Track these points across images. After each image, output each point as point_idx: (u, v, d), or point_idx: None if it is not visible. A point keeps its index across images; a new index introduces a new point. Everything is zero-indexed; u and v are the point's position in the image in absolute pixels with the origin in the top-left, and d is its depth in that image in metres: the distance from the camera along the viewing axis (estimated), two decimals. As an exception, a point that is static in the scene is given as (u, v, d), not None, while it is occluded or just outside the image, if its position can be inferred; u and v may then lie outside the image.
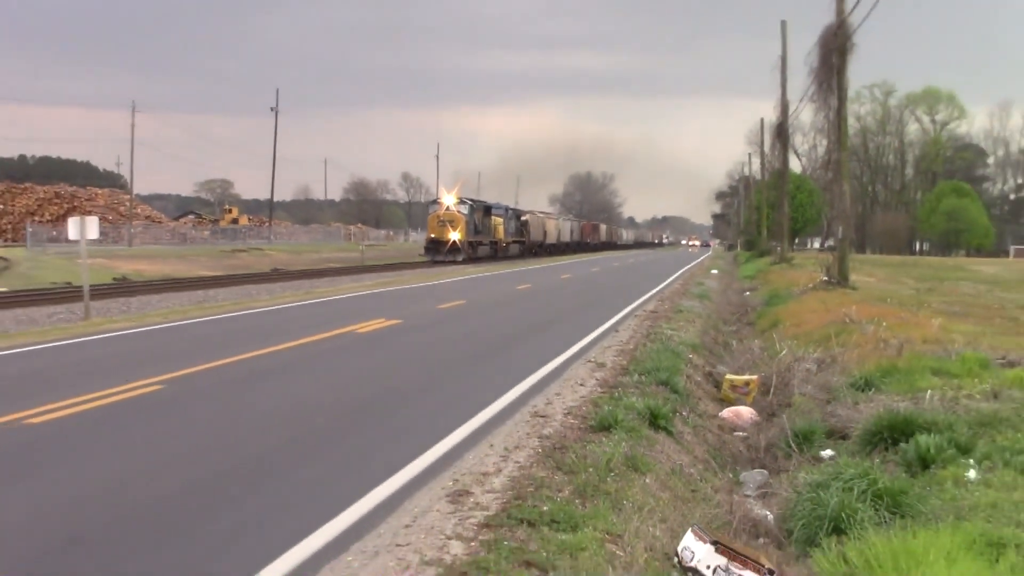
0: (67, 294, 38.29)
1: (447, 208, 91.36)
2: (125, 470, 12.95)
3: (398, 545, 9.73)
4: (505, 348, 25.79)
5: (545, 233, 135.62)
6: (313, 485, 12.09)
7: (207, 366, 21.15)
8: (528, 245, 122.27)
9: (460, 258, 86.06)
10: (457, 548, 9.61)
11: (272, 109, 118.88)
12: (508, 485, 12.03)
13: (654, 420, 16.18)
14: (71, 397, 17.04)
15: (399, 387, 19.80)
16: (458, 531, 10.18)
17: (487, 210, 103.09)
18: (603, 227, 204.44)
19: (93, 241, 35.53)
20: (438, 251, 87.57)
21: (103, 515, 10.97)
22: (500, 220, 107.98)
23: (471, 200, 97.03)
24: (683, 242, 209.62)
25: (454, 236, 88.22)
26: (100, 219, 40.88)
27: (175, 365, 21.00)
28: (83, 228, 34.60)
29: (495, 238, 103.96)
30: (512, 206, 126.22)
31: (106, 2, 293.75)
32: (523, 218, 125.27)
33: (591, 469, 12.77)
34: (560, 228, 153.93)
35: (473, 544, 9.72)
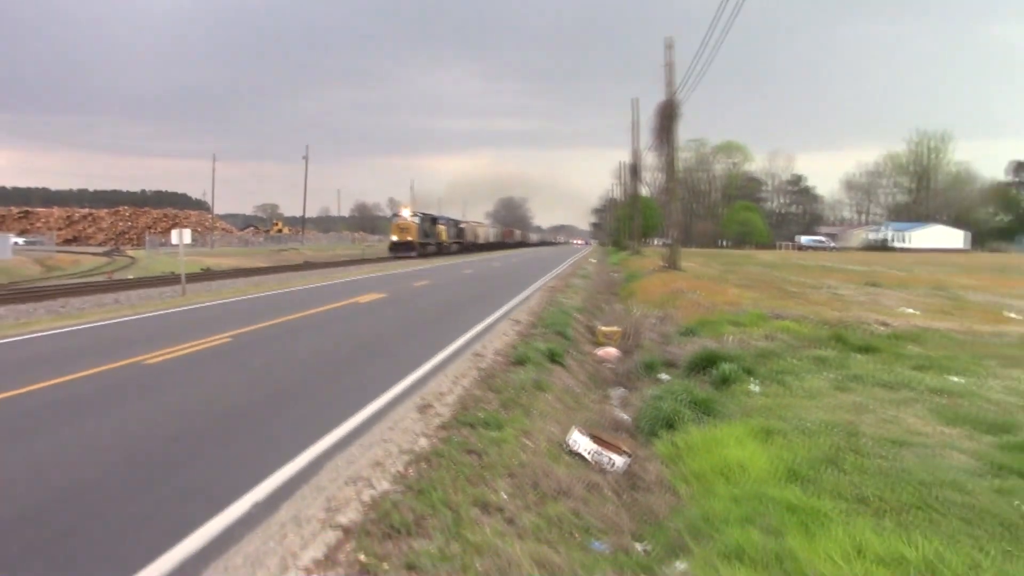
0: (171, 280, 38.22)
1: (404, 219, 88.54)
2: (209, 391, 13.03)
3: (384, 441, 9.92)
4: (457, 312, 25.86)
5: (477, 236, 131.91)
6: (333, 400, 12.18)
7: (261, 325, 21.16)
8: (464, 245, 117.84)
9: (413, 254, 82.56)
10: (423, 442, 9.83)
11: (303, 157, 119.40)
12: (457, 401, 12.23)
13: (552, 357, 16.42)
14: (173, 346, 17.10)
15: (388, 336, 19.90)
16: (424, 431, 10.38)
17: (434, 220, 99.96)
18: (517, 232, 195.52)
19: (187, 245, 36.03)
20: (398, 249, 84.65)
21: (198, 418, 11.12)
22: (444, 227, 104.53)
23: (421, 213, 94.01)
24: (573, 242, 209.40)
25: (409, 239, 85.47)
26: (192, 230, 42.52)
27: (239, 325, 20.99)
28: (181, 237, 35.52)
29: (440, 240, 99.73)
30: (453, 218, 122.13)
31: (195, 87, 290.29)
32: (461, 226, 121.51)
33: (511, 389, 12.99)
34: (487, 233, 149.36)
35: (434, 440, 9.94)
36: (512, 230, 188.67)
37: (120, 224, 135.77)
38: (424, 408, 11.75)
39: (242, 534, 6.87)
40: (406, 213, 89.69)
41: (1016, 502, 7.52)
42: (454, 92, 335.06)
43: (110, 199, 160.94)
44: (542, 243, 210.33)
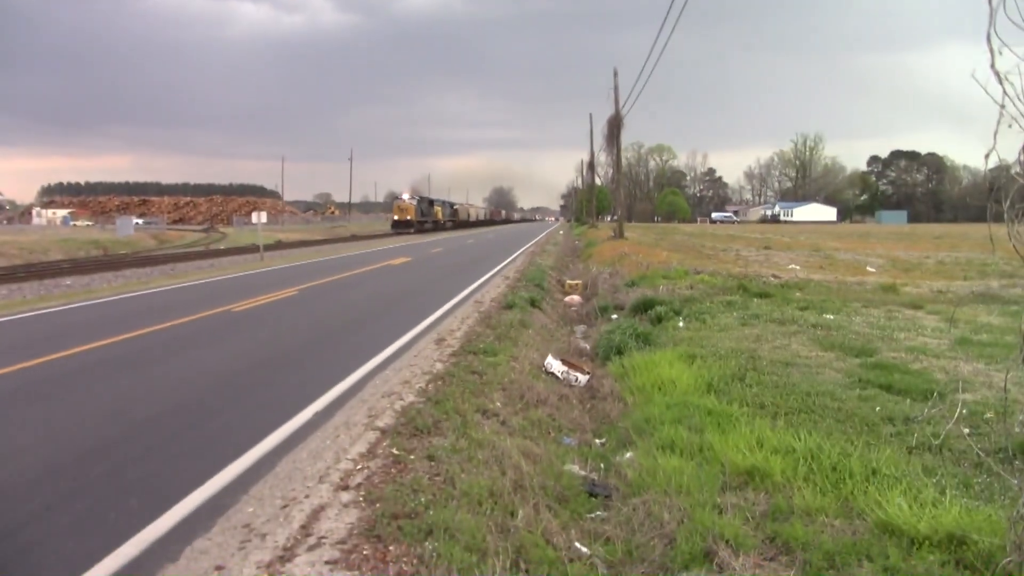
0: (252, 249, 37.72)
1: (404, 201, 79.93)
2: (281, 330, 13.00)
3: (410, 365, 9.90)
4: (463, 271, 25.82)
5: (469, 215, 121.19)
6: (373, 336, 12.12)
7: (320, 281, 21.09)
8: (458, 222, 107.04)
9: (411, 231, 73.20)
10: (439, 366, 9.79)
11: (349, 158, 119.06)
12: (463, 336, 12.20)
13: (533, 303, 16.36)
14: (254, 297, 17.02)
15: (413, 289, 19.88)
16: (440, 358, 10.34)
17: (431, 203, 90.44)
18: (503, 212, 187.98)
19: (264, 224, 36.20)
20: (398, 226, 75.89)
21: (273, 350, 11.10)
22: (439, 208, 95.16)
23: (419, 196, 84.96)
24: (547, 219, 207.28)
25: (408, 218, 76.82)
26: (267, 213, 42.94)
27: (304, 281, 20.91)
28: (260, 217, 35.53)
29: (436, 219, 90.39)
30: (449, 200, 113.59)
31: (267, 105, 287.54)
32: (455, 206, 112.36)
33: (503, 326, 12.94)
34: (478, 212, 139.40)
35: (447, 364, 9.89)
36: (499, 210, 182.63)
37: (214, 209, 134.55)
38: (439, 341, 11.70)
39: (306, 434, 6.83)
40: (405, 197, 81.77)
41: (875, 407, 7.52)
42: (458, 109, 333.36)
43: (206, 190, 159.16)
44: (523, 220, 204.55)
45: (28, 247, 39.39)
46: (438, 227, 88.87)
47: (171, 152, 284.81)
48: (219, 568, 4.29)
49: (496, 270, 26.00)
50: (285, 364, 10.22)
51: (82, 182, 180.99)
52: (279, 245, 46.39)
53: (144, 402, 8.12)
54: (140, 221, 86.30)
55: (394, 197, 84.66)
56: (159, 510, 5.08)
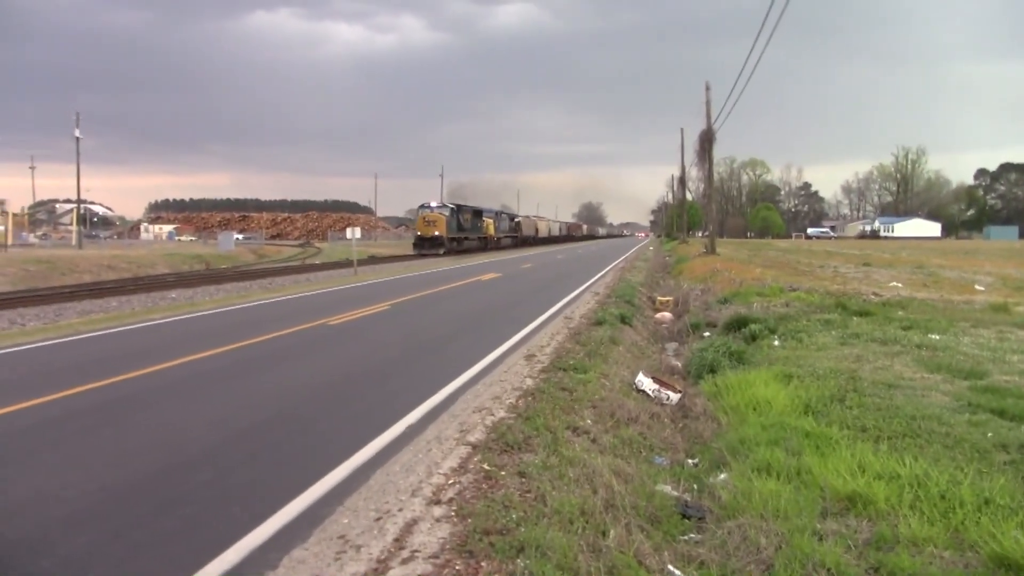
0: (347, 264, 38.42)
1: (431, 211, 59.76)
2: (375, 344, 13.21)
3: (500, 381, 9.93)
4: (552, 287, 25.80)
5: (536, 230, 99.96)
6: (462, 352, 12.21)
7: (411, 296, 21.40)
8: (522, 239, 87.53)
9: (441, 251, 56.02)
10: (529, 382, 9.79)
11: (440, 175, 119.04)
12: (553, 352, 12.18)
13: (623, 319, 16.24)
14: (348, 311, 17.40)
15: (502, 304, 19.97)
16: (530, 374, 10.35)
17: (477, 213, 69.91)
18: (584, 226, 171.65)
19: (357, 239, 36.74)
20: (423, 246, 57.37)
21: (367, 364, 11.28)
22: (491, 220, 74.55)
23: (455, 204, 65.46)
24: (637, 235, 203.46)
25: (435, 233, 57.73)
26: (360, 228, 43.61)
27: (396, 296, 21.26)
28: (354, 233, 36.32)
29: (485, 234, 70.78)
30: (508, 211, 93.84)
31: (361, 121, 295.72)
32: (516, 219, 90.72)
33: (593, 343, 12.88)
34: (551, 227, 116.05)
35: (537, 380, 9.88)
36: (580, 224, 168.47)
37: (309, 224, 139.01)
38: (529, 357, 11.71)
39: (399, 448, 6.93)
40: (433, 205, 62.05)
41: (987, 433, 7.16)
42: (546, 124, 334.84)
43: (302, 206, 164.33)
44: (609, 236, 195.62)
45: (136, 261, 41.33)
46: (488, 245, 70.78)
47: (268, 169, 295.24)
48: (316, 577, 4.39)
49: (585, 286, 25.91)
50: (378, 377, 10.40)
51: (186, 199, 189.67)
52: (372, 260, 47.25)
53: (245, 412, 8.40)
54: (240, 236, 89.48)
55: (420, 206, 62.93)
56: (259, 518, 5.23)
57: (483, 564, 4.51)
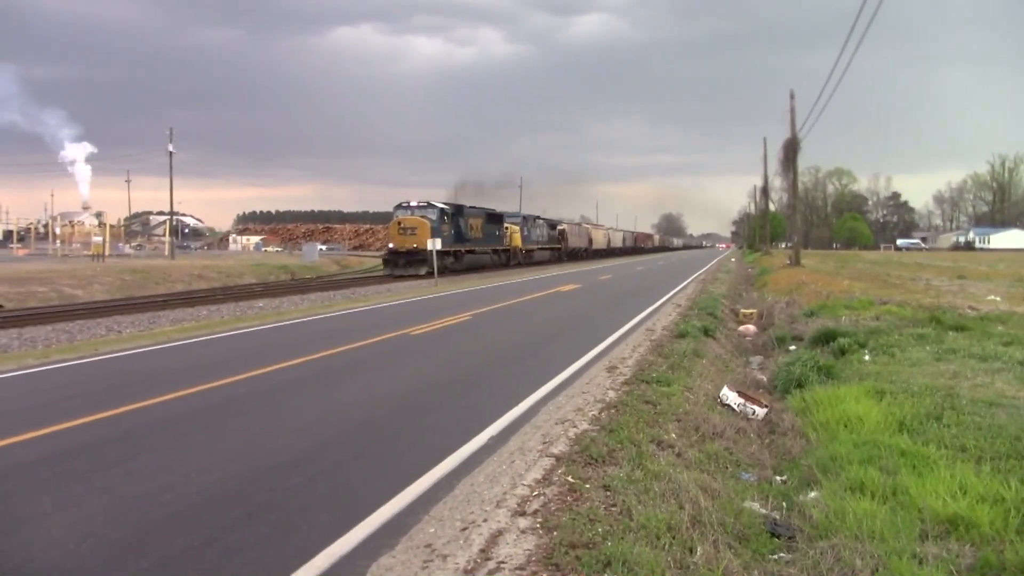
0: (427, 275, 37.89)
1: (409, 213, 42.47)
2: (456, 355, 13.33)
3: (582, 393, 9.89)
4: (632, 298, 25.61)
5: (590, 240, 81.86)
6: (542, 363, 12.17)
7: (492, 307, 21.48)
8: (566, 251, 69.99)
9: (423, 271, 39.59)
10: (611, 394, 9.73)
11: (518, 186, 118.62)
12: (635, 364, 12.08)
13: (706, 332, 16.00)
14: (429, 322, 17.59)
15: (582, 316, 19.90)
16: (612, 386, 10.28)
17: (492, 217, 52.40)
18: (656, 236, 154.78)
19: (437, 250, 36.26)
20: (395, 263, 41.14)
21: (448, 373, 11.35)
22: (514, 227, 57.21)
23: (449, 204, 46.56)
24: (718, 246, 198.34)
25: (413, 246, 40.59)
26: (441, 240, 40.96)
27: (476, 307, 21.35)
28: (434, 244, 35.35)
29: (507, 246, 54.76)
30: (548, 217, 71.87)
31: (440, 133, 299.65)
32: (559, 227, 71.48)
33: (676, 356, 12.72)
34: (611, 236, 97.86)
35: (619, 392, 9.82)
36: (650, 235, 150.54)
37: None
38: (611, 369, 11.64)
39: (482, 458, 6.95)
40: (413, 204, 43.41)
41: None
42: (624, 135, 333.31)
43: (384, 218, 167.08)
44: (686, 247, 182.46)
45: (225, 271, 42.71)
46: (509, 261, 54.98)
47: (350, 181, 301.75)
48: (404, 585, 4.44)
49: (667, 298, 25.62)
50: (461, 388, 10.48)
51: (272, 210, 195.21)
52: (451, 271, 47.36)
53: (331, 420, 8.57)
54: (324, 247, 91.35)
55: (397, 206, 44.11)
56: (347, 525, 5.31)
57: (569, 577, 4.48)
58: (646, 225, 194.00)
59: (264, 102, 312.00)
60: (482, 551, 4.88)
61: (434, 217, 42.00)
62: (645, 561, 4.67)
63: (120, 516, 5.60)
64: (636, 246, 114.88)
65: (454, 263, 43.79)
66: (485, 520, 5.42)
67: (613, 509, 5.60)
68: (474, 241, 47.81)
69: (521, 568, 4.61)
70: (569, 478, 6.24)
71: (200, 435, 7.87)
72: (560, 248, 69.01)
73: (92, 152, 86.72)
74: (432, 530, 5.28)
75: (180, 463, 6.87)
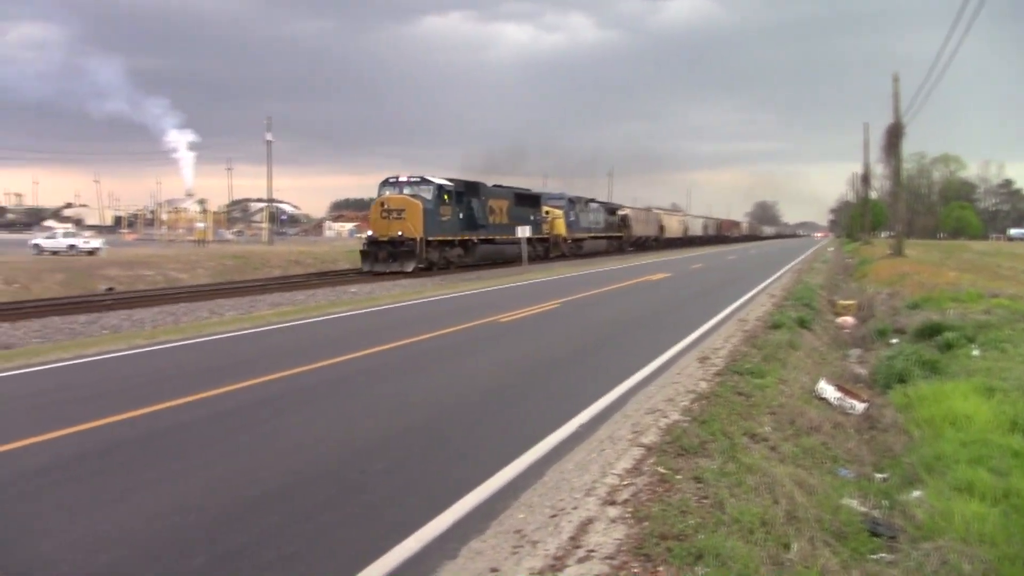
0: (516, 261, 36.84)
1: (395, 191, 32.84)
2: (543, 341, 13.32)
3: (673, 383, 9.76)
4: (724, 288, 25.14)
5: (661, 228, 71.40)
6: (631, 352, 12.07)
7: (581, 295, 21.33)
8: (630, 241, 61.17)
9: (410, 266, 31.19)
10: (703, 385, 9.57)
11: (608, 173, 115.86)
12: (728, 355, 11.84)
13: (802, 323, 15.53)
14: (517, 309, 17.61)
15: (675, 305, 19.65)
16: (704, 377, 10.11)
17: (523, 198, 42.52)
18: (744, 223, 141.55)
19: (528, 238, 34.98)
20: (374, 257, 32.00)
21: (536, 361, 11.39)
22: (557, 211, 47.58)
23: (451, 180, 34.93)
24: (814, 235, 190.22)
25: (397, 233, 31.49)
26: (529, 228, 39.32)
27: (565, 294, 21.22)
28: (523, 232, 33.98)
29: (546, 234, 45.32)
30: (603, 200, 63.30)
31: (528, 120, 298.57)
32: (620, 212, 61.92)
33: (770, 347, 12.41)
34: (688, 223, 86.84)
35: (711, 383, 9.64)
36: (735, 222, 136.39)
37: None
38: (703, 359, 11.44)
39: (572, 446, 6.93)
40: (403, 179, 33.66)
41: None
42: (716, 122, 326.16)
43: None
44: (779, 236, 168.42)
45: (320, 257, 43.78)
46: (548, 252, 44.98)
47: (438, 169, 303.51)
48: (494, 570, 4.46)
49: (760, 288, 25.02)
50: (549, 375, 10.48)
51: (365, 198, 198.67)
52: (459, 266, 45.36)
53: (421, 404, 8.70)
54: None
55: (383, 182, 34.28)
56: (437, 508, 5.37)
57: (660, 569, 4.43)
58: (739, 213, 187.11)
59: (356, 91, 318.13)
60: (572, 538, 4.87)
61: (429, 196, 32.36)
62: (738, 556, 4.57)
63: (216, 492, 5.81)
64: (719, 235, 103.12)
65: (462, 256, 35.21)
66: (575, 508, 5.40)
67: (705, 501, 5.51)
68: (496, 228, 37.91)
69: (611, 557, 4.57)
70: (660, 468, 6.16)
71: (292, 416, 8.10)
72: (621, 237, 59.73)
73: (194, 140, 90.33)
74: (522, 516, 5.29)
75: (273, 444, 7.09)
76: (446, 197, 33.54)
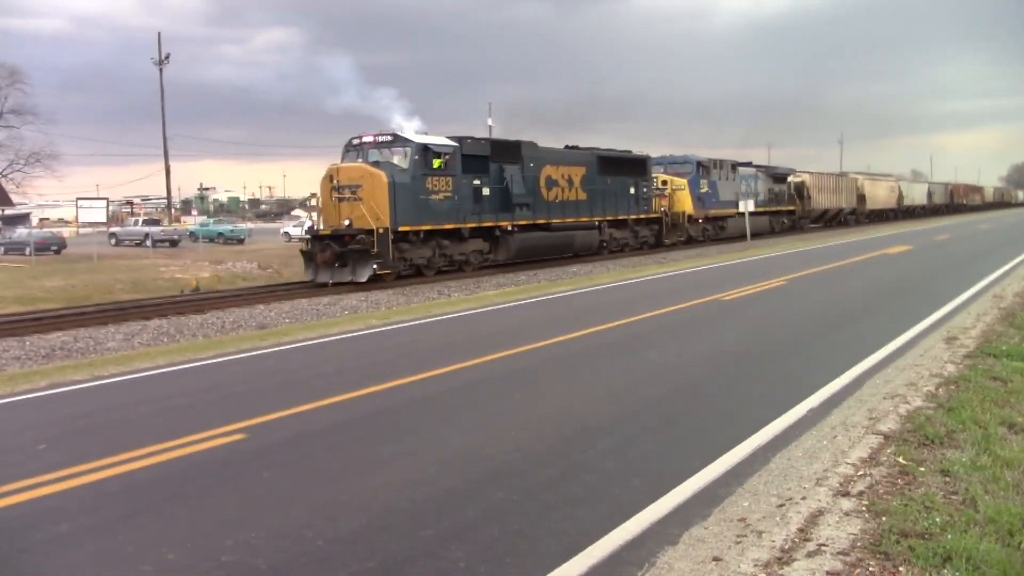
0: (740, 237, 35.76)
1: (359, 157, 21.42)
2: (769, 322, 12.79)
3: (915, 365, 9.07)
4: (973, 261, 22.91)
5: (861, 197, 56.59)
6: (865, 331, 11.36)
7: (808, 272, 20.29)
8: (804, 213, 47.48)
9: (363, 274, 19.85)
10: (950, 368, 8.78)
11: (839, 141, 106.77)
12: (980, 335, 10.79)
13: (1071, 299, 13.83)
14: (741, 287, 16.98)
15: (917, 280, 18.25)
16: (951, 359, 9.29)
17: (613, 163, 28.63)
18: (987, 188, 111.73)
19: (751, 211, 33.43)
20: (312, 263, 20.75)
21: (761, 341, 11.01)
22: (680, 181, 34.13)
23: (454, 138, 22.76)
24: None
25: (347, 221, 20.09)
26: (752, 201, 37.45)
27: (791, 271, 20.27)
28: (747, 205, 32.64)
29: (655, 212, 32.01)
30: (762, 164, 46.25)
31: (750, 89, 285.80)
32: (793, 179, 46.81)
33: (1032, 326, 11.17)
34: (900, 191, 66.92)
35: (960, 366, 8.83)
36: (976, 187, 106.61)
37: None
38: (950, 340, 10.48)
39: (800, 432, 6.59)
40: (367, 140, 21.85)
41: None
42: (963, 78, 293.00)
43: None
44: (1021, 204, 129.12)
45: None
46: (660, 237, 33.43)
47: (654, 144, 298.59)
48: (716, 559, 4.32)
49: (1019, 260, 22.49)
50: (775, 356, 10.08)
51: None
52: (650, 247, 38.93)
53: (641, 385, 8.64)
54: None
55: (347, 144, 22.37)
56: (658, 492, 5.28)
57: (901, 569, 4.08)
58: (992, 178, 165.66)
59: (571, 71, 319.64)
60: (800, 530, 4.61)
61: (403, 164, 21.53)
62: (994, 560, 4.12)
63: (447, 466, 6.07)
64: (952, 203, 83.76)
65: (486, 255, 24.73)
66: (804, 498, 5.12)
67: (954, 497, 5.02)
68: (557, 207, 26.57)
69: (844, 553, 4.28)
70: (900, 459, 5.70)
71: (515, 395, 8.33)
72: (793, 211, 46.27)
73: (421, 129, 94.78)
74: (746, 504, 5.09)
75: (496, 422, 7.31)
76: (438, 163, 22.16)
